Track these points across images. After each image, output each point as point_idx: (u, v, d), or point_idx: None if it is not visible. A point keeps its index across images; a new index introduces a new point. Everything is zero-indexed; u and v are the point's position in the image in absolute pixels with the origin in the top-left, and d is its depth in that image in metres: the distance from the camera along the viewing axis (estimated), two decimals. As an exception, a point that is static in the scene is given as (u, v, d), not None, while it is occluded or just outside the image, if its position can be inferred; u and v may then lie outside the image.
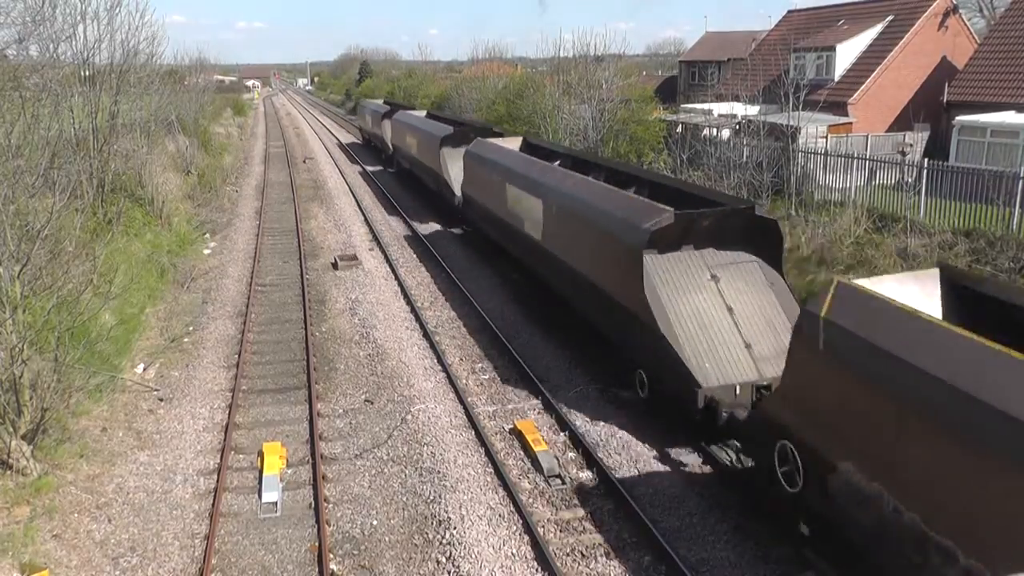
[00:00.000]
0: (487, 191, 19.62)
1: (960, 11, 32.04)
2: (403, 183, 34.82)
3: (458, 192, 23.70)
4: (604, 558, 8.87)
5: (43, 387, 10.43)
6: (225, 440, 11.60)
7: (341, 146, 52.86)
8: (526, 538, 9.22)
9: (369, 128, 46.19)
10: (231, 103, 69.10)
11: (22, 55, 18.26)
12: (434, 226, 26.09)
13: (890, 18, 32.36)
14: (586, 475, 10.58)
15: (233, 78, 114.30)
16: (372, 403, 13.00)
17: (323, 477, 10.64)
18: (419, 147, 29.28)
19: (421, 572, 8.78)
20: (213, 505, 9.93)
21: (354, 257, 21.58)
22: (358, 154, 46.88)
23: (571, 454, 11.13)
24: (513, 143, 21.68)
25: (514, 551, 8.99)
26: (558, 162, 18.11)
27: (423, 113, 37.57)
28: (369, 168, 40.31)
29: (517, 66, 61.58)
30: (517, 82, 42.90)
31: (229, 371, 14.32)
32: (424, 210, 28.63)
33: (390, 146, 37.76)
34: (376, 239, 24.41)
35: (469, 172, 21.68)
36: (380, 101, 52.28)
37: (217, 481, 10.49)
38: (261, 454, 11.02)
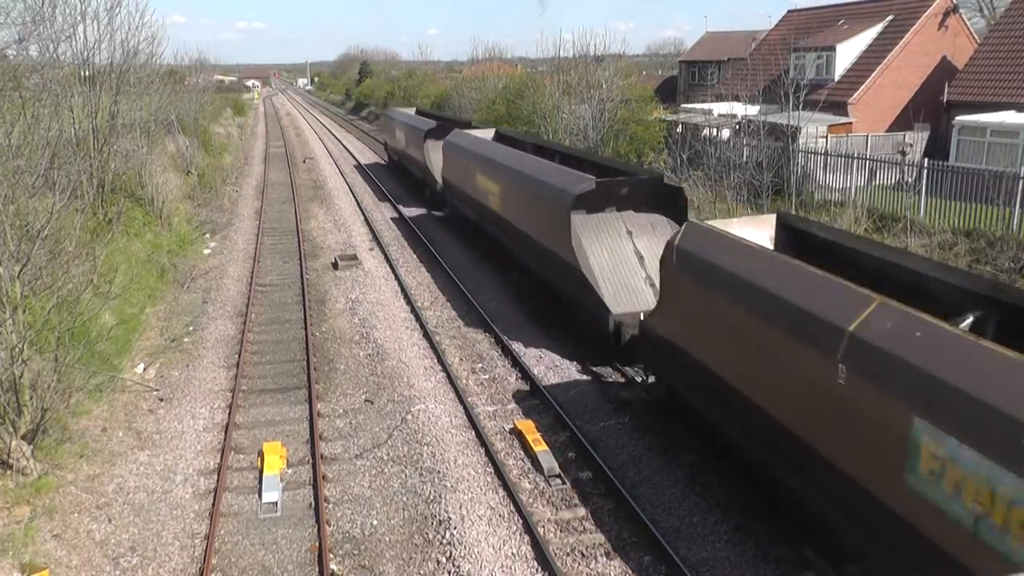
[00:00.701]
0: (771, 370, 8.32)
1: (960, 11, 32.08)
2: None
3: (613, 307, 13.21)
4: (604, 558, 8.87)
5: (43, 387, 10.43)
6: (225, 440, 11.60)
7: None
8: (526, 538, 9.22)
9: (400, 148, 34.00)
10: (231, 103, 69.09)
11: (22, 55, 18.27)
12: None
13: (890, 18, 32.38)
14: (586, 475, 10.58)
15: (233, 78, 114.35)
16: (372, 403, 13.00)
17: (323, 477, 10.63)
18: (512, 202, 17.63)
19: (421, 572, 8.78)
20: (213, 505, 9.93)
21: (354, 257, 21.59)
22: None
23: (571, 454, 11.13)
24: (758, 228, 10.50)
25: (514, 551, 9.00)
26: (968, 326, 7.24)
27: (490, 133, 24.80)
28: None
29: (517, 66, 61.55)
30: (517, 82, 42.90)
31: (229, 371, 14.32)
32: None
33: (439, 180, 26.33)
34: (376, 239, 24.40)
35: (685, 297, 10.29)
36: (412, 111, 39.86)
37: (217, 481, 10.49)
38: (261, 454, 11.02)
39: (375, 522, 9.70)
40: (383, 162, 42.19)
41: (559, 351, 14.75)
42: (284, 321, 17.00)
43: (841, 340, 7.05)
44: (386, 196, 31.53)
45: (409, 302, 17.97)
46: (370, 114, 79.94)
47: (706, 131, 26.64)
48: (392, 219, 27.46)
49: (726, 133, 25.35)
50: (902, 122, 29.21)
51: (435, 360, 14.60)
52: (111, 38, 21.90)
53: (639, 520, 9.34)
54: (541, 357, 14.51)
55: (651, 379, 12.16)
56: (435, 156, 26.78)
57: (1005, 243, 15.02)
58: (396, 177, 36.28)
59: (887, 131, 28.57)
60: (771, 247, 10.22)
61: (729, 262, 9.13)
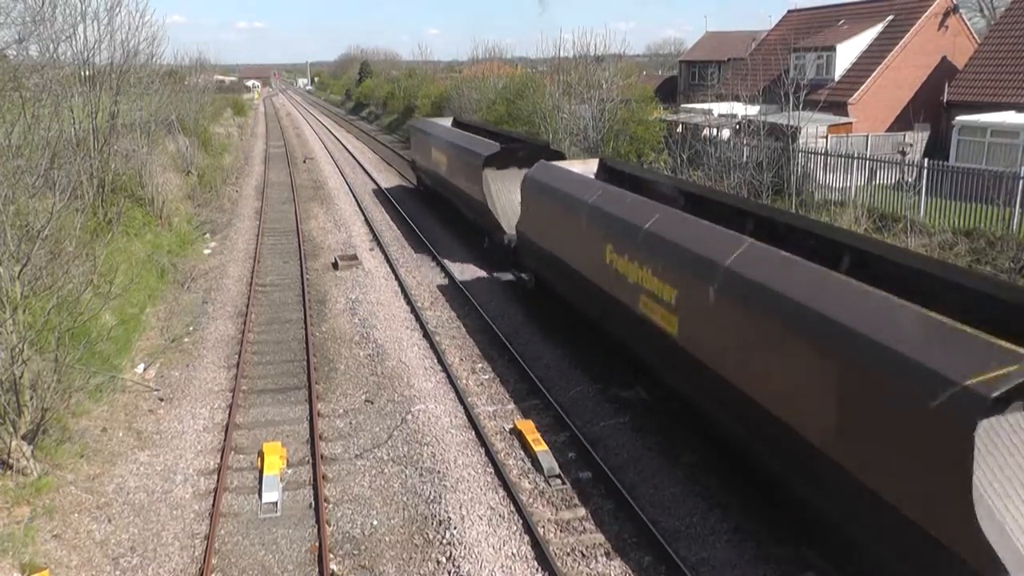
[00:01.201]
0: None
1: (960, 11, 32.07)
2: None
3: None
4: (604, 558, 8.87)
5: (43, 387, 10.43)
6: (225, 440, 11.60)
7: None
8: (526, 538, 9.22)
9: (438, 172, 25.44)
10: (231, 103, 69.12)
11: (22, 55, 18.28)
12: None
13: (890, 18, 32.38)
14: (586, 475, 10.57)
15: (233, 78, 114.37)
16: (372, 403, 13.00)
17: (323, 477, 10.63)
18: (721, 336, 9.17)
19: (421, 572, 8.77)
20: (213, 505, 9.93)
21: (354, 257, 21.60)
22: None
23: (571, 454, 11.13)
24: None
25: (514, 551, 8.99)
26: None
27: (592, 166, 16.46)
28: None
29: (517, 66, 61.48)
30: (517, 82, 42.87)
31: (229, 371, 14.32)
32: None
33: (506, 230, 18.99)
34: (376, 239, 24.40)
35: None
36: (448, 122, 30.11)
37: (217, 481, 10.49)
38: (261, 454, 11.02)
39: (375, 522, 9.70)
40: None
41: (557, 354, 14.75)
42: (284, 321, 17.00)
43: None
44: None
45: (409, 302, 17.97)
46: (370, 114, 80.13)
47: (706, 131, 26.62)
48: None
49: (726, 133, 25.34)
50: (902, 122, 29.21)
51: (435, 360, 14.60)
52: (111, 38, 21.93)
53: (639, 520, 9.34)
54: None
55: None
56: (500, 194, 19.68)
57: (1005, 243, 15.01)
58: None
59: (887, 131, 28.56)
60: None
61: None
